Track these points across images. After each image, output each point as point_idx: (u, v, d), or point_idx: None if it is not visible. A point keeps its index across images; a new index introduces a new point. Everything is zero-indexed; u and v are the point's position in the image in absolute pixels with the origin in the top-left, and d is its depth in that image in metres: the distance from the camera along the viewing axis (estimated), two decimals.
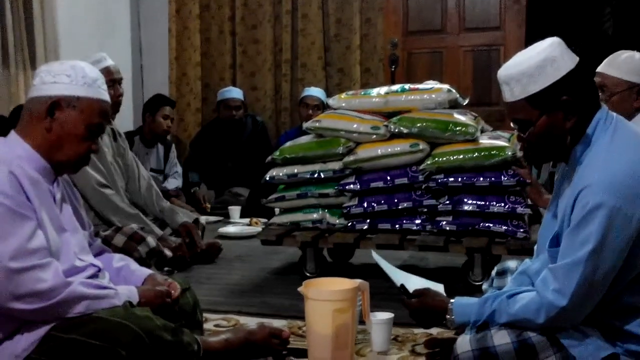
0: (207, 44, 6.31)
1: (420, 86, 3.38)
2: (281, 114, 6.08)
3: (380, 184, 3.16)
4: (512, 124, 1.85)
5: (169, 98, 5.49)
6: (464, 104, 3.40)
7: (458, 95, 3.29)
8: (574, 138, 1.77)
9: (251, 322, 2.53)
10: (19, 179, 1.73)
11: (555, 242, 1.78)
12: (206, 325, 2.42)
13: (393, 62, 5.21)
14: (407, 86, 3.41)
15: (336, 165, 3.24)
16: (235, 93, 5.62)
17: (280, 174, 3.33)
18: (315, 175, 3.27)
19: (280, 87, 6.11)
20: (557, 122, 1.75)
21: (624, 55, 2.88)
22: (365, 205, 3.18)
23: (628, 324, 1.71)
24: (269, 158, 3.40)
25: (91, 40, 5.59)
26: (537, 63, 1.73)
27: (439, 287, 2.16)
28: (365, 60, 5.88)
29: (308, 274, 3.27)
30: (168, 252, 3.40)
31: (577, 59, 1.77)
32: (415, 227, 3.14)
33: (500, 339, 1.76)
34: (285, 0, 5.98)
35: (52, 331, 1.71)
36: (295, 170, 3.30)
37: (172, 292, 1.98)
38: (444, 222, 3.09)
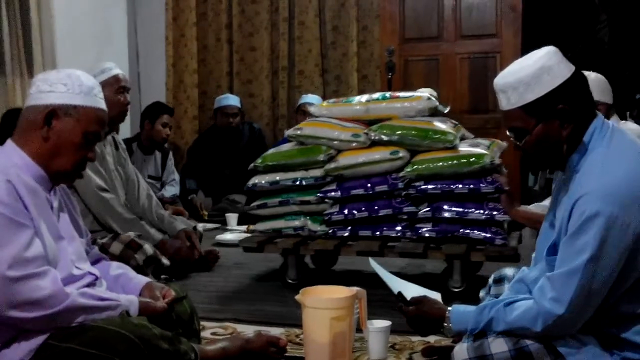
0: (204, 51, 6.33)
1: (401, 94, 3.40)
2: (278, 121, 6.09)
3: (360, 191, 3.17)
4: (507, 133, 1.85)
5: (167, 106, 5.49)
6: (445, 111, 3.42)
7: (438, 104, 3.31)
8: (570, 146, 1.77)
9: (248, 330, 2.53)
10: (16, 187, 1.73)
11: (553, 250, 1.78)
12: (203, 334, 2.41)
13: (390, 69, 5.24)
14: (387, 94, 3.43)
15: (317, 172, 3.26)
16: (232, 100, 5.63)
17: (263, 182, 3.34)
18: (297, 183, 3.28)
19: (277, 94, 6.12)
20: (553, 131, 1.76)
21: None
22: (346, 212, 3.19)
23: (625, 332, 1.71)
24: (251, 165, 3.41)
25: (88, 48, 5.59)
26: (534, 72, 1.74)
27: (436, 296, 2.16)
28: (362, 68, 5.90)
29: (290, 281, 3.30)
30: (165, 261, 3.39)
31: (573, 67, 1.78)
32: (395, 234, 3.15)
33: (498, 347, 1.76)
34: (282, 8, 6.00)
35: (49, 340, 1.71)
36: (277, 178, 3.32)
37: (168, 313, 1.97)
38: (424, 229, 3.10)
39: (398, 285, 2.15)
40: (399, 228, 3.14)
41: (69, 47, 5.24)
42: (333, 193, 3.21)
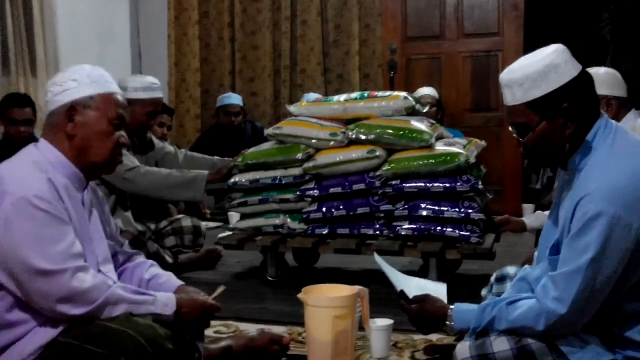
0: (207, 50, 6.33)
1: (379, 93, 3.42)
2: (280, 119, 6.03)
3: (338, 189, 3.19)
4: (510, 129, 1.85)
5: (165, 105, 5.47)
6: (423, 111, 3.43)
7: (415, 103, 3.32)
8: (572, 145, 1.77)
9: (251, 329, 2.54)
10: (56, 186, 1.76)
11: (556, 249, 1.78)
12: (206, 332, 2.41)
13: (392, 68, 5.24)
14: (365, 93, 3.46)
15: (296, 171, 3.28)
16: (234, 99, 5.63)
17: (243, 180, 3.37)
18: (277, 181, 3.31)
19: (279, 93, 6.12)
20: (557, 129, 1.76)
21: (590, 70, 2.98)
22: (324, 210, 3.22)
23: (627, 331, 1.72)
24: (230, 164, 3.43)
25: (91, 46, 5.61)
26: (541, 68, 1.74)
27: (442, 287, 2.16)
28: (364, 66, 5.90)
29: (269, 278, 3.36)
30: (169, 258, 3.39)
31: (580, 67, 1.77)
32: (372, 232, 3.18)
33: (500, 345, 1.76)
34: (284, 6, 6.00)
35: (58, 337, 1.72)
36: (257, 176, 3.35)
37: (216, 305, 1.96)
38: (400, 227, 3.13)
39: (401, 281, 2.15)
40: (376, 226, 3.18)
41: (72, 46, 5.26)
42: (311, 191, 3.23)
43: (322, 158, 3.23)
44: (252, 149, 3.50)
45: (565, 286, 1.67)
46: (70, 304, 1.69)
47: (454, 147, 3.17)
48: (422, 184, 3.09)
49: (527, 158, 1.91)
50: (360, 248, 3.14)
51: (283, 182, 3.30)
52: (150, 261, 2.13)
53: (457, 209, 3.04)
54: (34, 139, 4.03)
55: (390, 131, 3.16)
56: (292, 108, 3.51)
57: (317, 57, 5.97)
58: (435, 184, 3.07)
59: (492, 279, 2.20)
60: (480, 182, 3.10)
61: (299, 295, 2.12)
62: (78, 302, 1.69)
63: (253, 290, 3.30)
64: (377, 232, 3.17)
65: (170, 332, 1.77)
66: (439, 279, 3.06)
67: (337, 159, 3.20)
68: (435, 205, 3.07)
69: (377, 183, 3.14)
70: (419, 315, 1.97)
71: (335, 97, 3.48)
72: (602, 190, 1.65)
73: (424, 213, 3.08)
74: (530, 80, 1.74)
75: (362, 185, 3.17)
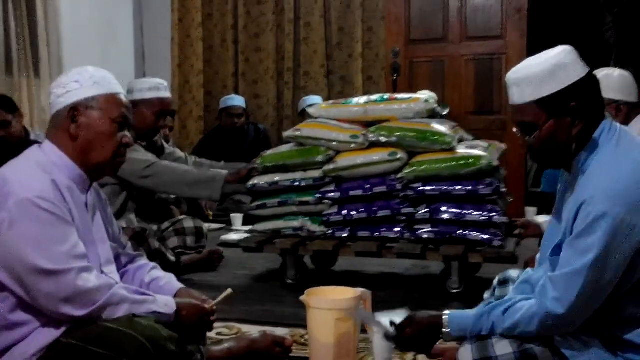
0: (210, 52, 6.34)
1: (399, 96, 3.41)
2: (283, 122, 6.10)
3: (359, 192, 3.18)
4: (514, 129, 1.85)
5: None
6: (443, 113, 3.43)
7: (436, 105, 3.31)
8: (578, 145, 1.78)
9: (253, 331, 2.53)
10: (60, 187, 1.76)
11: (558, 250, 1.78)
12: (208, 334, 2.41)
13: (395, 71, 5.25)
14: (386, 96, 3.45)
15: (316, 173, 3.27)
16: (237, 101, 5.63)
17: (262, 182, 3.35)
18: (296, 183, 3.29)
19: (282, 95, 6.13)
20: (564, 128, 1.76)
21: (602, 73, 2.89)
22: (344, 213, 3.20)
23: (629, 334, 1.71)
24: (250, 166, 3.42)
25: (94, 48, 5.62)
26: (550, 67, 1.74)
27: (402, 313, 2.07)
28: (368, 69, 5.91)
29: (289, 281, 3.33)
30: (171, 257, 3.39)
31: (588, 68, 1.78)
32: (393, 235, 3.15)
33: (502, 348, 1.75)
34: (287, 8, 6.01)
35: (60, 338, 1.72)
36: (277, 178, 3.33)
37: (212, 315, 1.95)
38: (422, 230, 3.11)
39: (382, 320, 2.04)
40: (397, 229, 3.15)
41: (75, 47, 5.27)
42: (332, 194, 3.22)
43: (342, 160, 3.22)
44: (270, 151, 3.48)
45: (566, 287, 1.67)
46: (74, 304, 1.69)
47: (476, 149, 3.15)
48: (444, 187, 3.07)
49: (532, 158, 1.91)
50: (381, 251, 3.11)
51: (303, 185, 3.28)
52: (152, 264, 2.12)
53: (479, 212, 3.02)
54: (28, 138, 4.07)
55: (412, 134, 3.14)
56: (311, 110, 3.49)
57: (320, 60, 5.97)
58: (458, 187, 3.05)
59: (495, 282, 2.20)
60: (502, 186, 3.09)
61: (302, 298, 2.12)
62: (82, 302, 1.70)
63: (255, 292, 3.29)
64: (398, 235, 3.14)
65: (173, 334, 1.77)
66: (461, 282, 3.05)
67: (358, 162, 3.19)
68: (457, 209, 3.05)
69: (399, 186, 3.12)
70: (416, 334, 1.90)
71: (355, 100, 3.46)
72: (606, 192, 1.65)
73: (446, 216, 3.06)
74: (539, 79, 1.75)
75: (383, 188, 3.15)
